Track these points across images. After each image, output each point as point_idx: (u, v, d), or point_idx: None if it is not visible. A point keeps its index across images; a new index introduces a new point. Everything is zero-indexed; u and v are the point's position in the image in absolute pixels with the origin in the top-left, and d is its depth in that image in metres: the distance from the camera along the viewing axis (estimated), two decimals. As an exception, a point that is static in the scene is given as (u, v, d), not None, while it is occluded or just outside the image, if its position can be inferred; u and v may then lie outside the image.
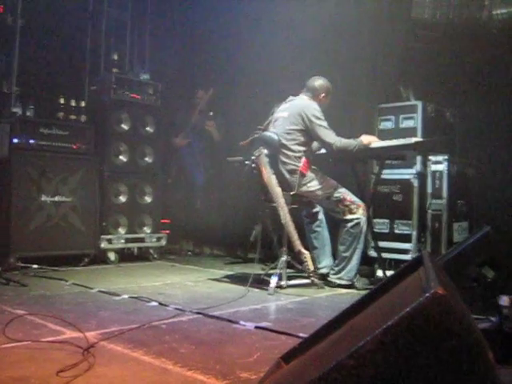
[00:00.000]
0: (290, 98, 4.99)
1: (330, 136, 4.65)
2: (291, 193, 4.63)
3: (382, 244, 5.09)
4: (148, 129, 6.28)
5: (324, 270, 4.87)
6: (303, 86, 5.00)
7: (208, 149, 6.91)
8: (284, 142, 4.72)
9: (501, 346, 2.41)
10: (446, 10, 5.54)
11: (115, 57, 6.28)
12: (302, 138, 4.75)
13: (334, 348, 1.58)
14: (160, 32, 7.20)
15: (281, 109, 4.95)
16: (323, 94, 4.94)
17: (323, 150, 4.91)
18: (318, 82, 4.96)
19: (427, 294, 1.18)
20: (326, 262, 4.95)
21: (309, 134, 4.73)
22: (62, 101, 5.73)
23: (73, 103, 5.82)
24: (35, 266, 5.09)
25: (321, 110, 4.75)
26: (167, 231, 6.53)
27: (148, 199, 6.29)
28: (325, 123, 4.70)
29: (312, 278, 4.42)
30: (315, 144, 4.94)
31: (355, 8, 5.92)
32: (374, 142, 4.72)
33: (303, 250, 4.35)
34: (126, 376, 2.25)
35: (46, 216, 5.40)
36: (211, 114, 6.90)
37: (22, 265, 5.07)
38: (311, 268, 4.36)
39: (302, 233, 4.83)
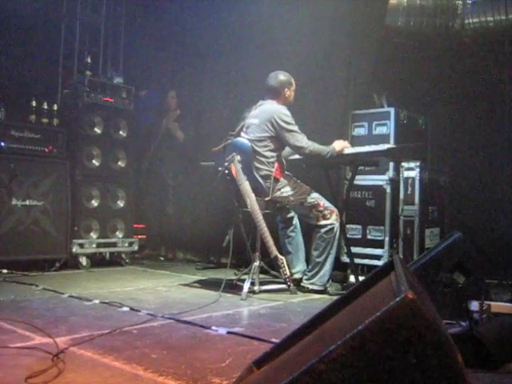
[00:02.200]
0: (260, 102, 4.97)
1: (301, 140, 4.66)
2: (265, 198, 4.63)
3: (354, 250, 5.12)
4: (121, 133, 6.23)
5: (297, 275, 4.88)
6: (265, 87, 4.97)
7: (175, 151, 6.85)
8: (257, 148, 4.72)
9: (471, 350, 2.43)
10: (420, 18, 5.62)
11: (88, 60, 6.22)
12: (273, 145, 4.75)
13: (306, 353, 1.58)
14: (134, 35, 7.16)
15: (252, 115, 4.92)
16: (286, 89, 4.89)
17: (296, 156, 4.92)
18: (275, 79, 4.90)
19: (398, 298, 1.18)
20: (299, 268, 4.96)
21: (280, 140, 4.74)
22: (34, 103, 5.66)
23: (45, 106, 5.74)
24: (5, 270, 5.02)
25: (290, 115, 4.73)
26: (143, 236, 6.49)
27: (120, 203, 6.24)
28: (295, 128, 4.70)
29: (289, 283, 4.42)
30: (287, 150, 4.94)
31: (329, 13, 5.95)
32: (346, 148, 4.75)
33: (280, 256, 4.36)
34: (96, 382, 2.23)
35: (17, 220, 5.32)
36: (178, 112, 6.88)
37: (-8, 269, 5.01)
38: (288, 273, 4.37)
39: (277, 238, 4.84)
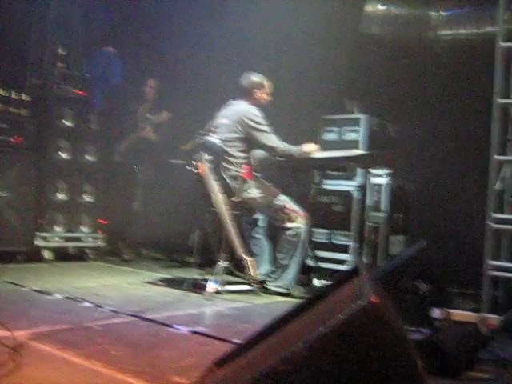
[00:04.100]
0: (230, 101, 4.96)
1: (271, 140, 4.68)
2: (233, 199, 4.62)
3: (320, 253, 5.14)
4: (91, 126, 6.16)
5: (262, 277, 4.87)
6: (237, 87, 4.97)
7: (148, 146, 6.76)
8: (226, 148, 4.71)
9: (431, 357, 2.46)
10: (394, 27, 5.67)
11: (60, 50, 6.13)
12: (242, 145, 4.74)
13: (268, 354, 1.58)
14: (109, 28, 7.09)
15: (222, 114, 4.91)
16: (256, 90, 4.88)
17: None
18: (247, 80, 4.91)
19: (360, 302, 1.19)
20: (264, 269, 4.95)
21: (249, 140, 4.74)
22: (1, 92, 5.56)
23: (14, 96, 5.65)
24: (-35, 261, 4.94)
25: (261, 115, 4.74)
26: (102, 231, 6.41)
27: (87, 198, 6.17)
28: (265, 127, 4.71)
29: (254, 284, 4.42)
30: (260, 152, 4.93)
31: (303, 19, 5.98)
32: (314, 151, 4.78)
33: (245, 256, 4.36)
34: (55, 377, 2.20)
35: (-20, 210, 5.24)
36: (148, 116, 6.74)
37: (-48, 260, 4.91)
38: (253, 274, 4.37)
39: (244, 240, 4.84)
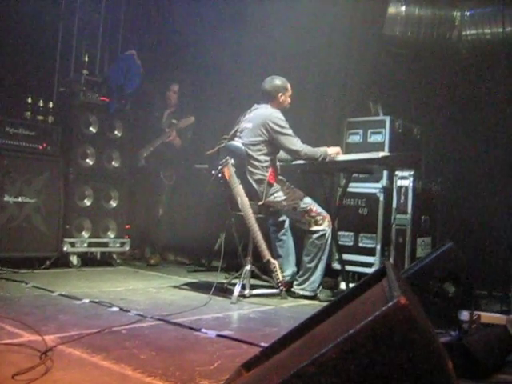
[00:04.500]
0: (255, 106, 4.97)
1: (296, 144, 4.68)
2: (258, 203, 4.63)
3: (346, 257, 5.13)
4: (116, 132, 6.22)
5: (287, 279, 4.87)
6: (261, 91, 4.97)
7: (171, 157, 6.77)
8: (250, 152, 4.72)
9: (460, 360, 2.43)
10: (417, 29, 5.64)
11: (86, 58, 6.20)
12: (267, 149, 4.75)
13: (296, 356, 1.58)
14: (132, 35, 7.14)
15: (246, 119, 4.92)
16: (280, 94, 4.89)
17: (294, 162, 4.92)
18: (270, 83, 4.92)
19: (390, 303, 1.18)
20: (289, 271, 4.96)
21: (274, 144, 4.75)
22: (29, 100, 5.64)
23: (41, 103, 5.73)
24: (-5, 267, 5.00)
25: (284, 119, 4.74)
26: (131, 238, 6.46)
27: (113, 203, 6.23)
28: (289, 131, 4.71)
29: (281, 288, 4.42)
30: (283, 154, 4.94)
31: (327, 22, 5.97)
32: (339, 153, 4.77)
33: (272, 260, 4.35)
34: (84, 381, 2.22)
35: (9, 217, 5.30)
36: (174, 121, 6.76)
37: (-18, 265, 4.98)
38: (280, 278, 4.36)
39: (269, 241, 4.84)
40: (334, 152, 4.76)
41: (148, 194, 6.88)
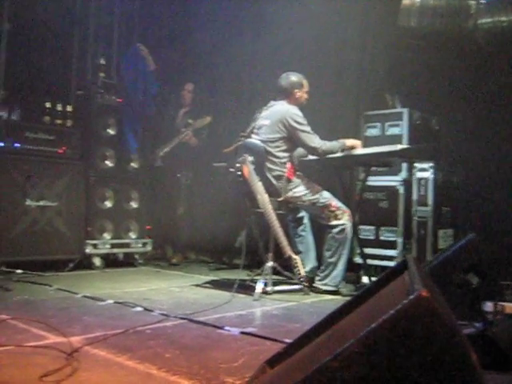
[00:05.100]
0: (271, 103, 4.98)
1: (314, 141, 4.68)
2: (278, 199, 4.64)
3: (367, 250, 5.11)
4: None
5: (308, 275, 4.86)
6: (276, 88, 4.97)
7: (188, 156, 6.77)
8: (269, 149, 4.73)
9: (485, 351, 2.42)
10: (432, 19, 5.59)
11: (102, 61, 6.24)
12: (285, 145, 4.76)
13: (319, 351, 1.58)
14: (148, 36, 7.17)
15: (263, 116, 4.93)
16: (296, 90, 4.90)
17: (310, 156, 4.92)
18: (286, 80, 4.92)
19: (411, 296, 1.18)
20: (309, 267, 4.95)
21: (292, 140, 4.75)
22: (48, 105, 5.69)
23: (59, 107, 5.77)
24: (19, 270, 5.05)
25: (302, 115, 4.74)
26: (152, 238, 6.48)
27: (134, 204, 6.27)
28: (307, 128, 4.71)
29: (304, 283, 4.42)
30: (300, 150, 4.94)
31: (342, 16, 5.95)
32: (357, 145, 4.76)
33: (294, 256, 4.36)
34: (110, 381, 2.24)
35: (31, 220, 5.36)
36: (190, 121, 6.75)
37: (7, 269, 5.03)
38: (302, 273, 4.37)
39: (290, 238, 4.84)
40: (352, 144, 4.74)
41: (166, 194, 6.89)
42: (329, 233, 4.73)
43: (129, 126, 6.14)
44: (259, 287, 4.36)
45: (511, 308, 2.86)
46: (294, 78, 4.92)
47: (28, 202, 5.34)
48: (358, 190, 5.18)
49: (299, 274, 4.34)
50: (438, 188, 5.12)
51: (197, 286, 4.99)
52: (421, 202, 5.11)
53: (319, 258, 4.93)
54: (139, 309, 3.74)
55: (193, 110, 6.83)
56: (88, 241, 5.76)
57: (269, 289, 4.48)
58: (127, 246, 6.17)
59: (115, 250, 6.08)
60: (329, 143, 4.69)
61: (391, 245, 5.22)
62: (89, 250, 5.74)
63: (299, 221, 5.04)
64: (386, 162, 4.88)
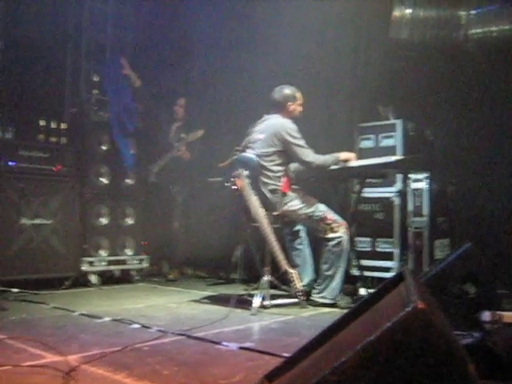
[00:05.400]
0: (265, 116, 4.99)
1: (308, 155, 4.68)
2: (274, 213, 4.63)
3: (364, 262, 5.12)
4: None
5: (306, 288, 4.85)
6: (270, 101, 4.99)
7: (181, 171, 6.77)
8: (263, 163, 4.74)
9: (484, 361, 2.41)
10: (423, 30, 5.63)
11: (96, 78, 6.26)
12: (280, 159, 4.77)
13: (317, 365, 1.58)
14: (140, 52, 7.19)
15: (257, 130, 4.94)
16: (290, 103, 4.91)
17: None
18: (279, 93, 4.93)
19: (408, 308, 1.18)
20: (307, 280, 4.94)
21: (287, 153, 4.76)
22: (42, 123, 5.68)
23: (53, 125, 5.77)
24: (15, 289, 5.02)
25: (296, 129, 4.75)
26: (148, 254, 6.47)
27: (129, 221, 6.26)
28: (301, 142, 4.72)
29: (299, 297, 4.41)
30: (295, 165, 4.94)
31: (333, 28, 5.98)
32: (351, 158, 4.77)
33: (290, 270, 4.35)
34: (108, 399, 2.23)
35: (27, 239, 5.34)
36: (183, 135, 6.76)
37: (2, 289, 5.00)
38: (299, 287, 4.36)
39: (286, 251, 4.83)
40: (346, 157, 4.75)
41: (161, 210, 6.89)
42: (325, 246, 4.73)
43: (120, 140, 6.13)
44: (256, 301, 4.35)
45: (509, 317, 2.86)
46: (287, 90, 4.94)
47: (23, 221, 5.33)
48: (353, 202, 5.19)
49: (296, 288, 4.33)
50: (433, 198, 5.13)
51: (194, 301, 4.98)
52: (416, 213, 5.12)
53: (316, 270, 4.92)
54: (137, 326, 3.73)
55: (186, 124, 6.83)
56: (84, 258, 5.74)
57: (266, 303, 4.46)
58: (123, 262, 6.15)
59: (111, 267, 6.05)
60: (322, 157, 4.70)
61: (388, 256, 5.22)
62: (85, 267, 5.72)
63: (296, 234, 5.04)
64: (381, 174, 4.89)
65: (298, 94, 4.97)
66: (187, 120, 6.87)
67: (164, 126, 6.90)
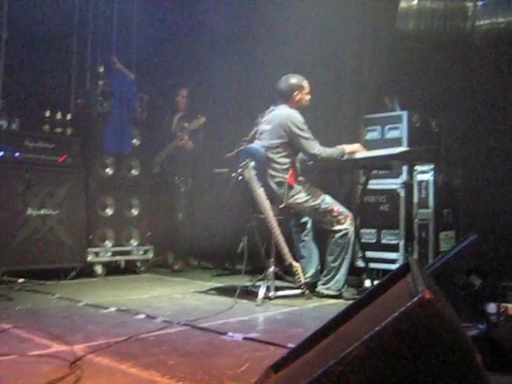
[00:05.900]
0: (272, 107, 4.95)
1: (314, 147, 4.66)
2: (280, 205, 4.62)
3: (369, 254, 5.10)
4: (134, 141, 6.25)
5: (311, 279, 4.86)
6: (276, 91, 4.94)
7: (185, 155, 6.79)
8: (270, 155, 4.72)
9: (489, 352, 2.41)
10: (430, 22, 5.60)
11: (101, 69, 6.25)
12: (287, 151, 4.74)
13: (323, 356, 1.58)
14: (146, 43, 7.17)
15: (264, 120, 4.91)
16: (296, 93, 4.85)
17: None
18: (285, 82, 4.88)
19: (414, 299, 1.18)
20: (312, 271, 4.94)
21: (293, 145, 4.74)
22: (47, 114, 5.70)
23: (58, 116, 5.79)
24: (21, 280, 5.04)
25: (303, 120, 4.72)
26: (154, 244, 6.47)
27: (135, 212, 6.27)
28: (308, 134, 4.69)
29: (304, 289, 4.41)
30: (301, 155, 4.93)
31: (340, 19, 5.96)
32: (357, 150, 4.75)
33: (294, 263, 4.34)
34: (114, 388, 2.24)
35: (32, 229, 5.36)
36: (185, 125, 6.75)
37: (8, 279, 5.02)
38: (303, 280, 4.36)
39: (290, 243, 4.83)
40: (351, 149, 4.74)
41: (166, 200, 6.89)
42: (331, 237, 4.72)
43: (112, 128, 6.06)
44: (261, 292, 4.35)
45: (514, 309, 2.86)
46: (293, 79, 4.88)
47: (29, 211, 5.34)
48: (358, 194, 5.18)
49: (299, 281, 4.33)
50: (438, 190, 5.12)
51: (199, 292, 4.98)
52: (422, 205, 5.11)
53: (322, 262, 4.92)
54: (142, 316, 3.74)
55: (188, 114, 6.82)
56: (89, 249, 5.76)
57: (271, 294, 4.46)
58: (129, 253, 6.16)
59: (117, 258, 6.07)
60: (328, 150, 4.67)
61: (393, 248, 5.22)
62: (90, 257, 5.74)
63: (303, 226, 5.03)
64: (387, 165, 4.88)
65: (305, 83, 4.91)
66: (190, 110, 6.85)
67: (166, 116, 6.90)
